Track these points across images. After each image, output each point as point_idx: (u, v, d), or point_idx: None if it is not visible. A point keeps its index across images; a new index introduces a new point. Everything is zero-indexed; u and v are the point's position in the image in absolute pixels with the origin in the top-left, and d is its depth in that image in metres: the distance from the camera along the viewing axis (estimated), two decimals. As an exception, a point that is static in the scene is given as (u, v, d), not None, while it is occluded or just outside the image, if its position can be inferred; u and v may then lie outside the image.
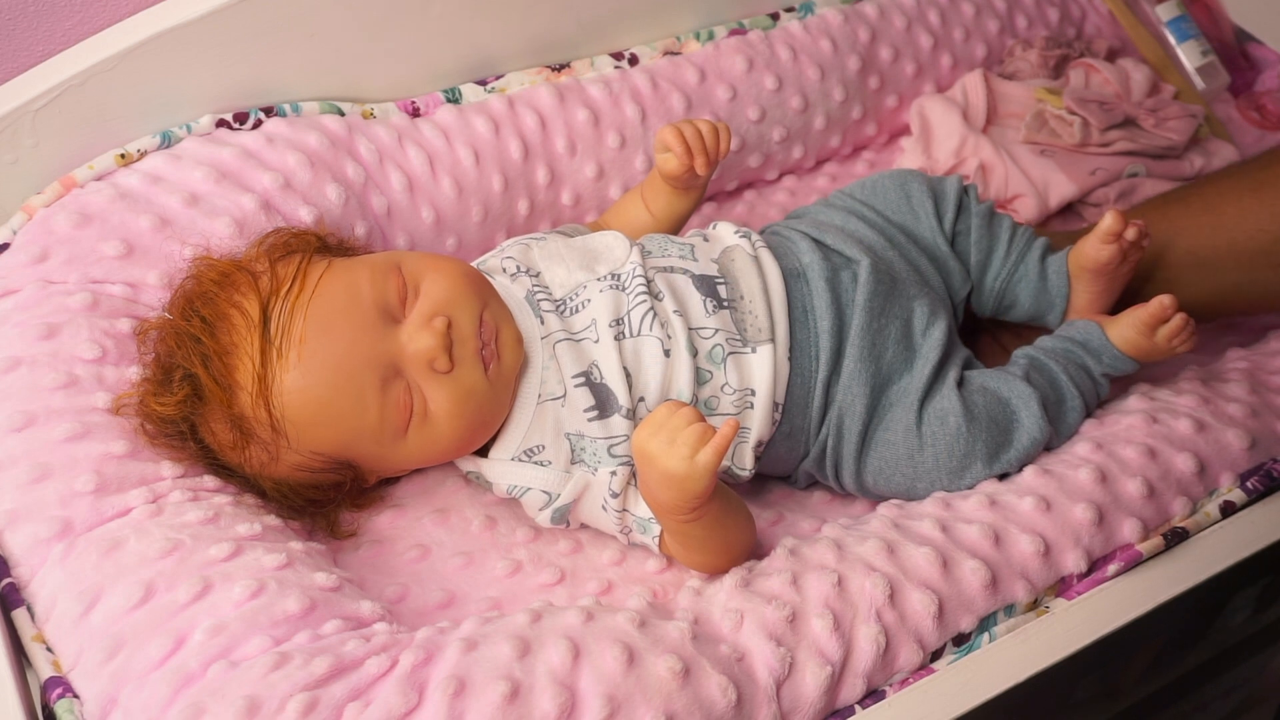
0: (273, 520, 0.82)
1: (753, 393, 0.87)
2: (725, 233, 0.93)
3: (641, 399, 0.84)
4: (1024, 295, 0.97)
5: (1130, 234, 0.91)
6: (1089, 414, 0.92)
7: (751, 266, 0.89)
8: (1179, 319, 0.89)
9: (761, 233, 0.97)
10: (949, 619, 0.78)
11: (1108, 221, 0.90)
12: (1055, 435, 0.89)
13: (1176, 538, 0.84)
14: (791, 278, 0.90)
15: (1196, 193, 1.01)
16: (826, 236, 0.93)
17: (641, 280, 0.86)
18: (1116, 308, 0.96)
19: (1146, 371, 1.01)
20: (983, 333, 1.06)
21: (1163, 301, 0.88)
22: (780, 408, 0.88)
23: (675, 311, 0.85)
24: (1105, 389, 0.93)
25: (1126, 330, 0.91)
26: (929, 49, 1.23)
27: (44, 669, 0.73)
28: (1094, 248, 0.92)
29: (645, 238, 0.92)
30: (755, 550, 0.86)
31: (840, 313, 0.89)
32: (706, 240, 0.93)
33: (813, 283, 0.90)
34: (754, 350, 0.87)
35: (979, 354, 1.01)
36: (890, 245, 0.95)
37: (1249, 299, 0.98)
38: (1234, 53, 1.34)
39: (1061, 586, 0.82)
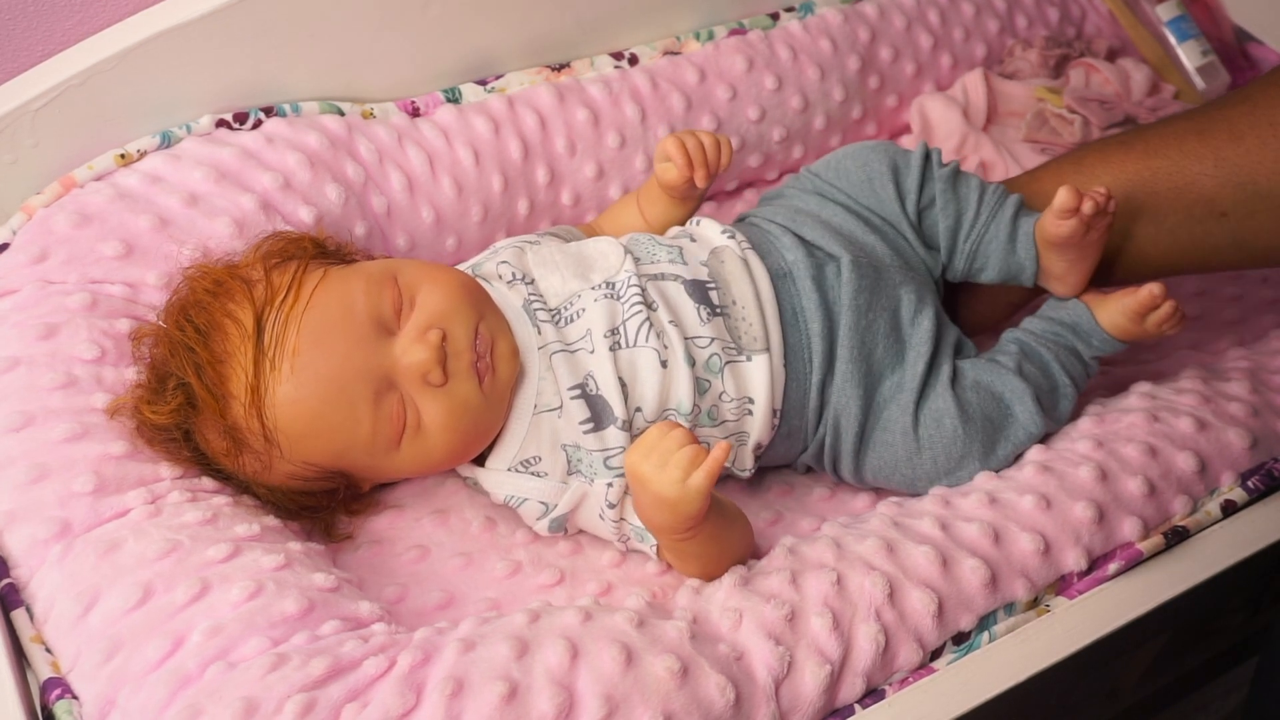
0: (271, 521, 0.82)
1: (751, 401, 0.86)
2: (712, 232, 0.92)
3: (638, 409, 0.84)
4: (994, 258, 0.93)
5: (1087, 207, 0.85)
6: (1079, 392, 0.91)
7: (741, 269, 0.88)
8: (1168, 305, 0.87)
9: (739, 221, 0.96)
10: (948, 618, 0.78)
11: (1061, 198, 0.85)
12: (1050, 424, 0.89)
13: (1177, 537, 0.84)
14: (779, 278, 0.89)
15: (1139, 136, 0.94)
16: (805, 229, 0.91)
17: (637, 289, 0.85)
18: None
19: (1148, 369, 1.01)
20: (959, 300, 1.02)
21: (1152, 290, 0.87)
22: (778, 413, 0.88)
23: (670, 322, 0.85)
24: (1094, 369, 0.93)
25: (1116, 316, 0.89)
26: (929, 49, 1.23)
27: (43, 670, 0.73)
28: (1052, 224, 0.87)
29: (630, 240, 0.91)
30: (754, 549, 0.86)
31: (829, 313, 0.88)
32: (694, 240, 0.92)
33: (800, 282, 0.89)
34: (750, 359, 0.86)
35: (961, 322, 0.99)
36: (868, 229, 0.93)
37: (1197, 254, 0.91)
38: (1234, 53, 1.33)
39: (1062, 585, 0.82)
